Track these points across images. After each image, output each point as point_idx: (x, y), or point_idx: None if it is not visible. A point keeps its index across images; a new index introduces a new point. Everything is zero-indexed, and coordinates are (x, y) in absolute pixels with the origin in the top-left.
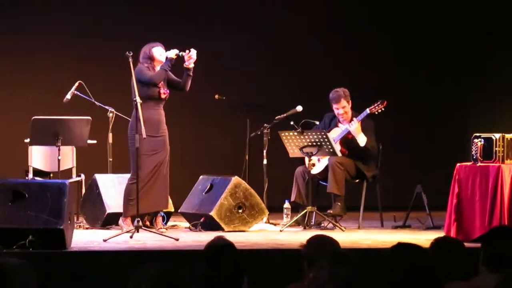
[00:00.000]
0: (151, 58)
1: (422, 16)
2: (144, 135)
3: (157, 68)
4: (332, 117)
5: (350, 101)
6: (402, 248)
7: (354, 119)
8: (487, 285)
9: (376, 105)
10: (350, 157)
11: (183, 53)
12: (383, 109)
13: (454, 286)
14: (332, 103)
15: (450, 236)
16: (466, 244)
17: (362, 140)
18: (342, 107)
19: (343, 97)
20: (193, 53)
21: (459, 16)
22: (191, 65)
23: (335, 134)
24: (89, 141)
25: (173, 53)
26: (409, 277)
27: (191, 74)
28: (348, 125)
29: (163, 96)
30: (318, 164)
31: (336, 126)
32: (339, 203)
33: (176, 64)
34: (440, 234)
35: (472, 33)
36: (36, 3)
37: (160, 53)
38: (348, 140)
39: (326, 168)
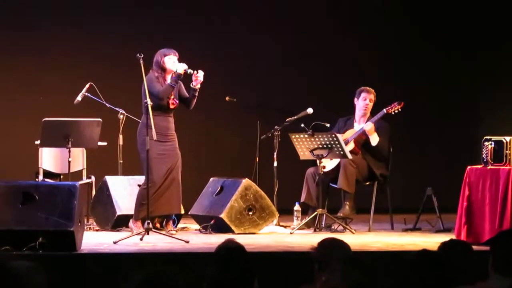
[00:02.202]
0: (162, 68)
1: (434, 17)
2: (154, 137)
3: (168, 77)
4: (346, 120)
5: None
6: (428, 255)
7: (369, 122)
8: None
9: (393, 105)
10: (362, 156)
11: (191, 71)
12: (400, 109)
13: None
14: (363, 92)
15: (458, 239)
16: (476, 247)
17: (375, 140)
18: (370, 99)
19: (373, 92)
20: (201, 75)
21: (470, 18)
22: (198, 86)
23: (349, 134)
24: (100, 143)
25: (182, 68)
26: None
27: (197, 94)
28: (364, 125)
29: (171, 106)
30: (331, 161)
31: (351, 127)
32: (348, 203)
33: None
34: (451, 237)
35: (484, 35)
36: (47, 4)
37: (172, 62)
38: (361, 140)
39: (338, 166)
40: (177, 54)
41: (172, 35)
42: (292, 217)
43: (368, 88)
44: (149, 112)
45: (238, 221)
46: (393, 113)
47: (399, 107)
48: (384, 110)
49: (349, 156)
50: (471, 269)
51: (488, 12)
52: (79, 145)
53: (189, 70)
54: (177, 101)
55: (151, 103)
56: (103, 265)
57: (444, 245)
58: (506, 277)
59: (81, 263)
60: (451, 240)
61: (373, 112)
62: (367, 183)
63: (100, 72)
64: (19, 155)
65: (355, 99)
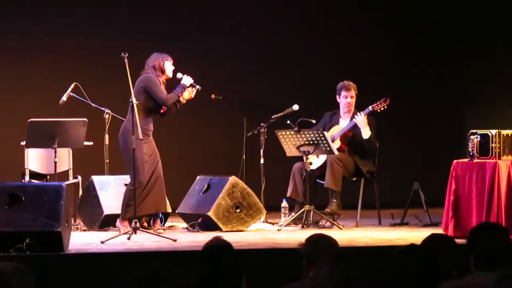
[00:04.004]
0: (162, 71)
1: (419, 13)
2: (140, 136)
3: (164, 79)
4: (332, 114)
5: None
6: (415, 249)
7: (360, 112)
8: (482, 284)
9: (379, 102)
10: (349, 154)
11: (199, 87)
12: (385, 107)
13: (449, 285)
14: (342, 90)
15: (439, 233)
16: (464, 241)
17: (366, 133)
18: (350, 96)
19: (353, 87)
20: (194, 92)
21: (456, 11)
22: (184, 101)
23: (335, 131)
24: (86, 143)
25: (188, 82)
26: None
27: (178, 107)
28: (356, 116)
29: (161, 111)
30: (317, 159)
31: (337, 123)
32: (334, 200)
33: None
34: (438, 231)
35: (469, 30)
36: (31, 6)
37: (170, 68)
38: (348, 137)
39: (325, 163)
40: (172, 59)
41: (157, 34)
42: (280, 214)
43: (347, 83)
44: (134, 110)
45: (225, 219)
46: (379, 110)
47: (385, 104)
48: (370, 107)
49: (336, 152)
50: (455, 262)
51: (474, 5)
52: (65, 145)
53: (197, 86)
54: (166, 107)
55: (136, 102)
56: (91, 265)
57: (426, 240)
58: (488, 272)
59: (69, 263)
60: (432, 234)
61: (358, 107)
62: (354, 179)
63: (85, 72)
64: (5, 156)
65: (337, 95)
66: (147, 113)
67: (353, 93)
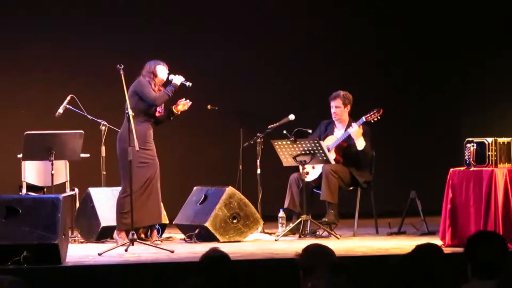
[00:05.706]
0: (154, 74)
1: (416, 19)
2: (137, 147)
3: (157, 83)
4: (328, 123)
5: (349, 106)
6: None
7: (354, 123)
8: None
9: (372, 113)
10: (344, 164)
11: (189, 84)
12: (379, 117)
13: None
14: (330, 101)
15: (426, 243)
16: (462, 249)
17: (361, 144)
18: (335, 106)
19: (340, 97)
20: (188, 104)
21: (452, 19)
22: (178, 112)
23: (330, 142)
24: (82, 155)
25: (179, 80)
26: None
27: (172, 118)
28: (349, 128)
29: (157, 114)
30: (313, 171)
31: (332, 133)
32: (332, 211)
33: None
34: (435, 239)
35: (466, 36)
36: (26, 18)
37: (163, 72)
38: (343, 148)
39: (321, 175)
40: (167, 65)
41: (152, 44)
42: (277, 224)
43: (335, 94)
44: (130, 121)
45: (222, 230)
46: (372, 121)
47: (378, 115)
48: (363, 118)
49: (332, 161)
50: (445, 272)
51: (470, 12)
52: (61, 158)
53: (187, 83)
54: (162, 110)
55: (132, 114)
56: (88, 277)
57: (414, 251)
58: (486, 280)
59: (66, 276)
60: (419, 245)
61: (353, 117)
62: (351, 188)
63: (81, 84)
64: (1, 169)
65: None
66: (141, 117)
67: (338, 102)
